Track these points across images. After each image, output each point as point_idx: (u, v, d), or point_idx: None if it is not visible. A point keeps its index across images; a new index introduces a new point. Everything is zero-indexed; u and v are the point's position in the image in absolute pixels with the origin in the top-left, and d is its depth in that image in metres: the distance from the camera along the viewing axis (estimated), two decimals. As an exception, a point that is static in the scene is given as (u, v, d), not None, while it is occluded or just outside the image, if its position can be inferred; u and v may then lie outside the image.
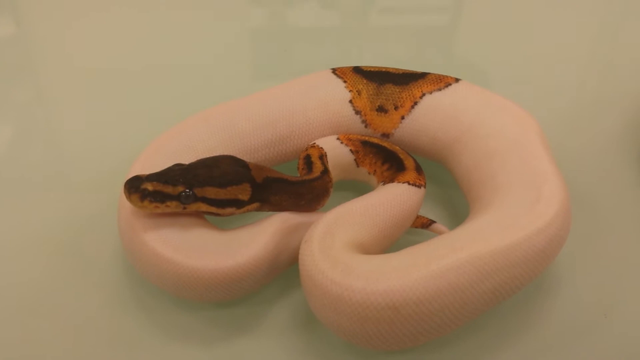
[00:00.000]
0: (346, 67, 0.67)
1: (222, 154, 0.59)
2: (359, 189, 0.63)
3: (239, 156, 0.59)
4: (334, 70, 0.67)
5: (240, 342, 0.51)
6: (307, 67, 0.90)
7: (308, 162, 0.58)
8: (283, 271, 0.54)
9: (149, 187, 0.49)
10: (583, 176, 0.67)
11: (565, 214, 0.52)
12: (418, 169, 0.59)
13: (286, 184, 0.55)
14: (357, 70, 0.67)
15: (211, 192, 0.51)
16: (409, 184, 0.56)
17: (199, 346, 0.51)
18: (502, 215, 0.51)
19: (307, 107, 0.64)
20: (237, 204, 0.52)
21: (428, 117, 0.63)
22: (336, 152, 0.61)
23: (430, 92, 0.64)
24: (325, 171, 0.57)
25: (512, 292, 0.49)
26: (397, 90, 0.65)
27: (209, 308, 0.54)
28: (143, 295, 0.55)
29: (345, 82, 0.66)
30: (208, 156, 0.56)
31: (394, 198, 0.55)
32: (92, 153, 0.72)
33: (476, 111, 0.62)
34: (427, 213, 0.62)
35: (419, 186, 0.57)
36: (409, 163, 0.59)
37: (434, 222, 0.60)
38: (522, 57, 0.91)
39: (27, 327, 0.53)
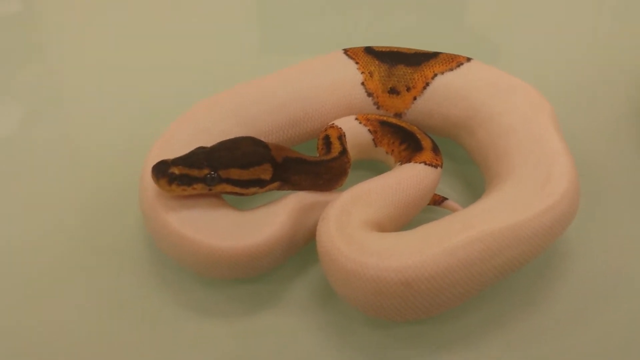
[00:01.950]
0: (358, 48, 0.68)
1: (237, 136, 0.60)
2: (377, 168, 0.64)
3: None
4: (346, 51, 0.68)
5: (260, 318, 0.54)
6: (315, 38, 0.90)
7: (327, 142, 0.60)
8: (301, 248, 0.57)
9: (176, 171, 0.51)
10: (591, 152, 0.68)
11: (574, 192, 0.53)
12: (435, 149, 0.60)
13: (305, 163, 0.56)
14: (369, 50, 0.68)
15: (235, 173, 0.53)
16: (426, 164, 0.58)
17: (220, 322, 0.53)
18: (513, 194, 0.53)
19: (320, 90, 0.65)
20: (260, 183, 0.54)
21: (440, 97, 0.64)
22: (354, 132, 0.63)
23: (442, 73, 0.65)
24: (344, 151, 0.59)
25: (521, 266, 0.51)
26: (409, 71, 0.66)
27: (230, 285, 0.56)
28: (165, 272, 0.57)
29: (357, 63, 0.67)
30: (226, 138, 0.58)
31: (411, 178, 0.56)
32: (105, 132, 0.74)
33: (488, 90, 0.63)
34: (443, 187, 0.64)
35: (435, 166, 0.58)
36: (426, 143, 0.60)
37: (446, 199, 0.62)
38: (532, 29, 0.91)
39: (49, 305, 0.56)
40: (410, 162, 0.58)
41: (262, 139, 0.62)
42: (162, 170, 0.51)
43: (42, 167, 0.71)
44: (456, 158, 0.67)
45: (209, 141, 0.57)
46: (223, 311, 0.54)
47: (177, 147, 0.56)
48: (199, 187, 0.52)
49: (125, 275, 0.57)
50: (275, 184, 0.55)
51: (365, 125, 0.63)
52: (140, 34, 0.91)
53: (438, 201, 0.62)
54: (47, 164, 0.71)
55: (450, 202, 0.61)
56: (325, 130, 0.62)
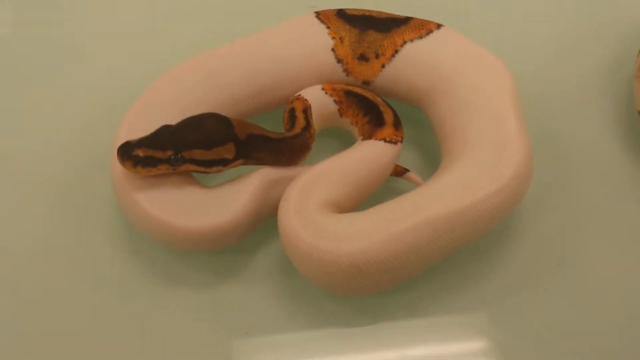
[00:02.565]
0: (330, 11, 0.68)
1: (208, 105, 0.62)
2: (343, 135, 0.67)
3: (225, 107, 0.63)
4: (318, 15, 0.67)
5: (228, 287, 0.58)
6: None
7: (292, 115, 0.61)
8: (266, 220, 0.60)
9: (140, 153, 0.53)
10: (557, 120, 0.69)
11: (523, 176, 0.55)
12: (396, 124, 0.61)
13: (268, 140, 0.58)
14: (341, 14, 0.67)
15: (198, 154, 0.55)
16: (385, 141, 0.59)
17: (191, 291, 0.58)
18: (463, 175, 0.55)
19: (291, 55, 0.65)
20: (223, 162, 0.56)
21: (408, 66, 0.65)
22: (320, 102, 0.64)
23: (412, 40, 0.65)
24: (307, 127, 0.60)
25: (467, 244, 0.55)
26: (379, 37, 0.65)
27: (199, 256, 0.60)
28: (137, 243, 0.61)
29: (328, 28, 0.66)
30: (194, 109, 0.60)
31: (370, 156, 0.58)
32: (100, 50, 0.75)
33: (454, 61, 0.63)
34: (406, 156, 0.65)
35: (395, 142, 0.60)
36: (388, 116, 0.62)
37: (407, 170, 0.64)
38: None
39: (24, 276, 0.60)
40: (371, 138, 0.60)
41: (235, 107, 0.64)
42: (127, 152, 0.53)
43: (25, 78, 0.73)
44: (421, 125, 0.67)
45: (179, 112, 0.59)
46: (190, 281, 0.59)
47: (148, 119, 0.58)
48: (163, 168, 0.54)
49: (99, 245, 0.61)
50: (239, 162, 0.58)
51: (331, 95, 0.64)
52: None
53: (400, 172, 0.64)
54: (31, 75, 0.74)
55: (411, 175, 0.64)
56: (292, 102, 0.63)
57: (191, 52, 0.65)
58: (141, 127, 0.57)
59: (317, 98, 0.64)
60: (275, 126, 0.63)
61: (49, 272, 0.60)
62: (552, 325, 0.57)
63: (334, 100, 0.64)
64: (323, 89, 0.65)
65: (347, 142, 0.66)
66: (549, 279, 0.59)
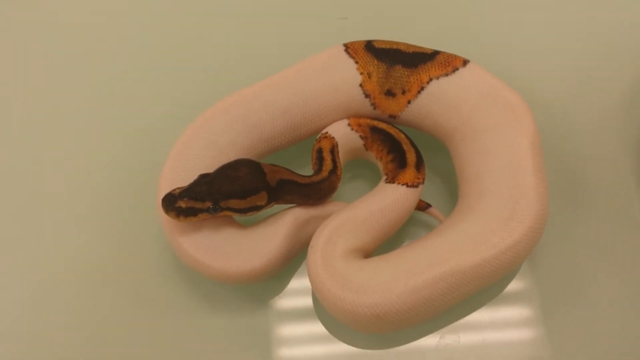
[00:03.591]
0: (358, 43, 0.70)
1: (242, 145, 0.66)
2: (370, 165, 0.71)
3: (258, 144, 0.68)
4: (346, 48, 0.69)
5: (259, 312, 0.65)
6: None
7: (320, 156, 0.66)
8: (297, 256, 0.66)
9: (182, 204, 0.59)
10: (576, 154, 0.72)
11: (535, 231, 0.58)
12: (418, 165, 0.65)
13: (297, 185, 0.63)
14: (369, 47, 0.69)
15: (234, 203, 0.60)
16: (407, 186, 0.63)
17: (224, 314, 0.65)
18: (476, 228, 0.58)
19: (320, 91, 0.68)
20: (257, 208, 0.62)
21: (432, 103, 0.67)
22: (347, 139, 0.68)
23: (437, 78, 0.66)
24: (333, 170, 0.64)
25: (481, 291, 0.60)
26: (406, 73, 0.67)
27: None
28: (178, 263, 0.67)
29: (357, 63, 0.68)
30: (229, 149, 0.65)
31: (392, 204, 0.62)
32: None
33: (476, 103, 0.64)
34: (430, 185, 0.69)
35: (416, 186, 0.64)
36: (410, 157, 0.65)
37: (430, 205, 0.68)
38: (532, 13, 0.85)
39: (76, 295, 0.67)
40: (393, 182, 0.64)
41: (266, 144, 0.68)
42: (171, 204, 0.59)
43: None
44: (443, 150, 0.69)
45: (217, 154, 0.65)
46: (230, 305, 0.65)
47: (189, 162, 0.64)
48: (203, 216, 0.60)
49: (143, 266, 0.68)
50: (271, 205, 0.63)
51: (357, 131, 0.68)
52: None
53: (422, 207, 0.68)
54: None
55: (433, 210, 0.68)
56: (319, 140, 0.67)
57: (229, 85, 0.69)
58: (181, 174, 0.63)
59: (344, 135, 0.68)
60: (304, 149, 0.68)
61: (95, 291, 0.67)
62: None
63: (360, 136, 0.68)
64: (349, 124, 0.68)
65: (373, 170, 0.70)
66: (556, 318, 0.64)
